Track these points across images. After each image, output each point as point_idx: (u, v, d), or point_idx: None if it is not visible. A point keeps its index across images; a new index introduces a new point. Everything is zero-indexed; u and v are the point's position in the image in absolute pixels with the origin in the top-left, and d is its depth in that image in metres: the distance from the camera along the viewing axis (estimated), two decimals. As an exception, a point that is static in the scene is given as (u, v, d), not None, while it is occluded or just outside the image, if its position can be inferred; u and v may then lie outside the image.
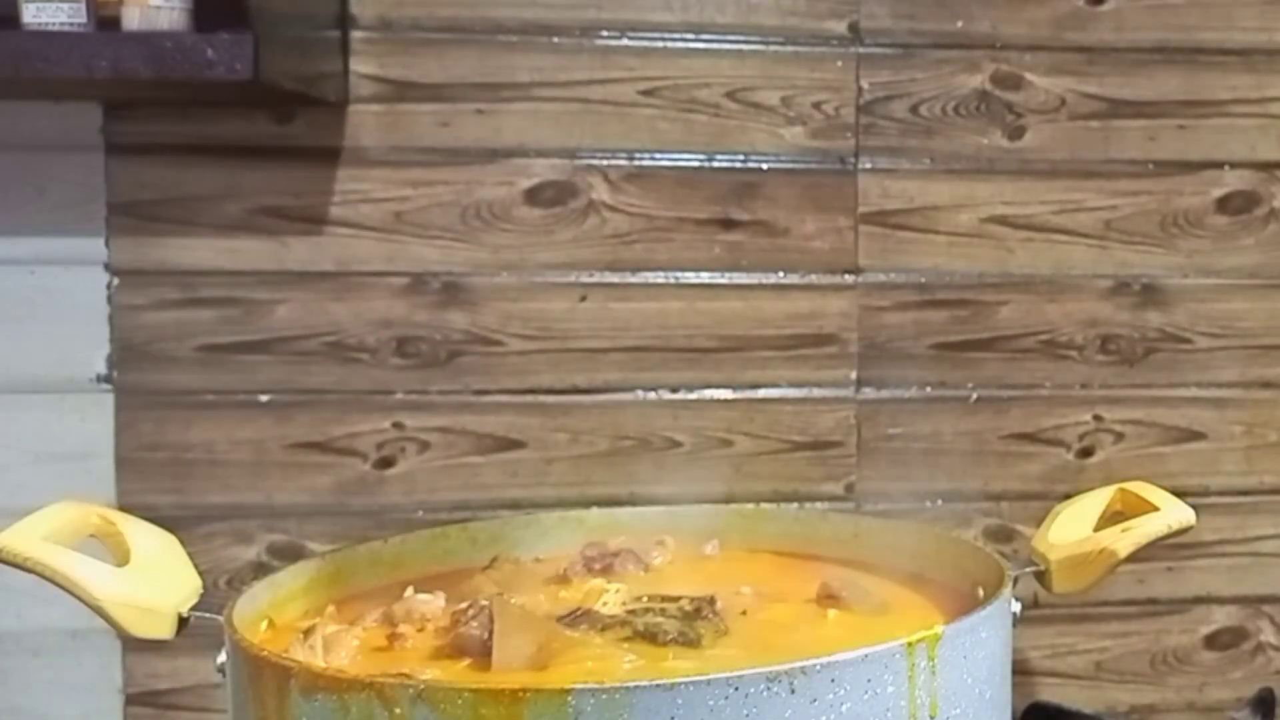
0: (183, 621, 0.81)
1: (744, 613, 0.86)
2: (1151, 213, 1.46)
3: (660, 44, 1.39)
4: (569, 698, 0.65)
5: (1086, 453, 1.46)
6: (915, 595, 0.92)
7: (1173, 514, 0.88)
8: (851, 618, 0.86)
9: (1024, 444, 1.46)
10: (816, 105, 1.41)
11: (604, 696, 0.65)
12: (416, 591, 0.89)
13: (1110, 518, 0.91)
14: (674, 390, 1.41)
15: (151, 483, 1.34)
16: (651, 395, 1.41)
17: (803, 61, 1.41)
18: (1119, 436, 1.47)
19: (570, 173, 1.38)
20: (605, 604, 0.87)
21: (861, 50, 1.41)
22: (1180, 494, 0.90)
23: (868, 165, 1.42)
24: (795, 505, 1.42)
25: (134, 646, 1.33)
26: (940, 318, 1.44)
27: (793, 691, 0.67)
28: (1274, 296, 1.48)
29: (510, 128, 1.37)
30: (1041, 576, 0.89)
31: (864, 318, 1.43)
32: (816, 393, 1.43)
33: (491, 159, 1.38)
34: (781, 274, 1.42)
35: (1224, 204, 1.47)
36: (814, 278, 1.42)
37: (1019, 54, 1.43)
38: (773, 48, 1.41)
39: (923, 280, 1.43)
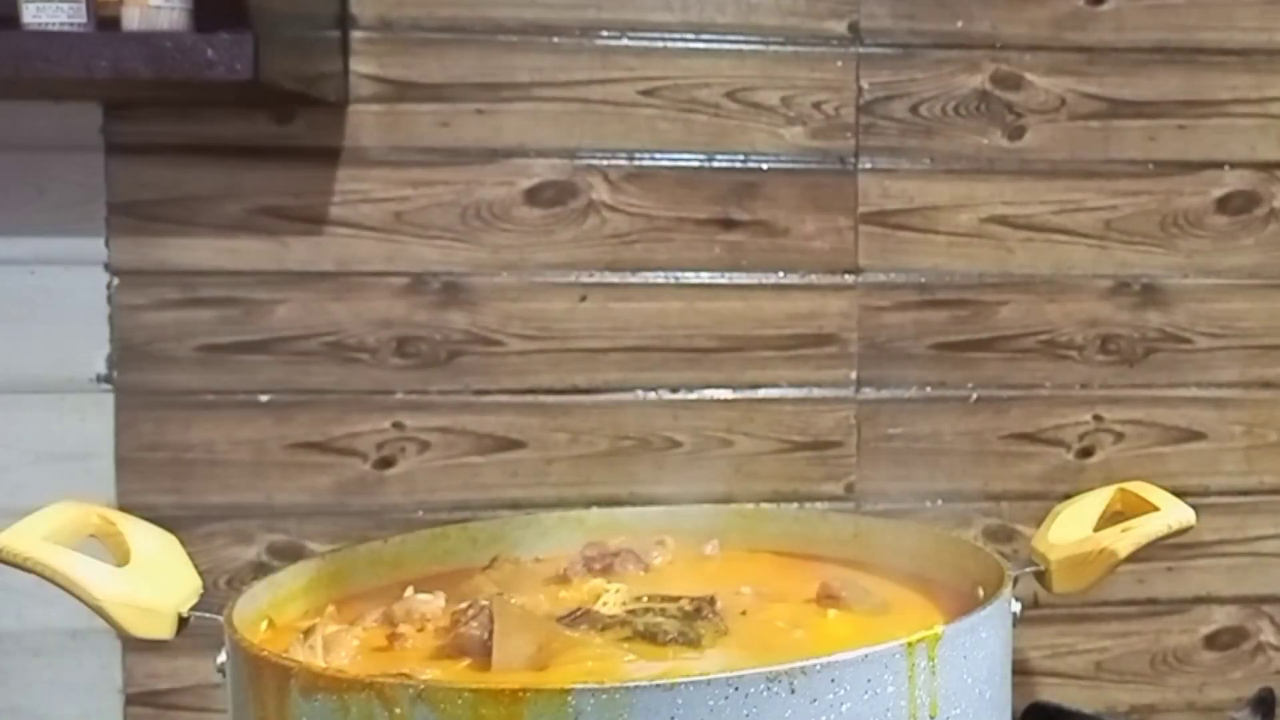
0: (183, 621, 0.81)
1: (744, 613, 0.86)
2: (1151, 213, 1.46)
3: (660, 44, 1.39)
4: (569, 698, 0.65)
5: (1086, 453, 1.46)
6: (915, 595, 0.92)
7: (1173, 514, 0.88)
8: (851, 618, 0.86)
9: (1024, 444, 1.46)
10: (816, 105, 1.41)
11: (604, 696, 0.65)
12: (416, 591, 0.89)
13: (1110, 518, 0.91)
14: (674, 390, 1.41)
15: (151, 483, 1.34)
16: (651, 395, 1.41)
17: (803, 61, 1.41)
18: (1119, 436, 1.47)
19: (570, 173, 1.38)
20: (605, 604, 0.87)
21: (861, 50, 1.41)
22: (1180, 494, 0.90)
23: (868, 165, 1.42)
24: (795, 505, 1.42)
25: (134, 646, 1.33)
26: (940, 318, 1.44)
27: (793, 691, 0.67)
28: (1274, 296, 1.48)
29: (510, 128, 1.37)
30: (1041, 576, 0.89)
31: (864, 318, 1.43)
32: (816, 393, 1.43)
33: (491, 159, 1.38)
34: (781, 274, 1.42)
35: (1224, 204, 1.47)
36: (814, 278, 1.42)
37: (1019, 54, 1.43)
38: (773, 48, 1.41)
39: (923, 280, 1.43)
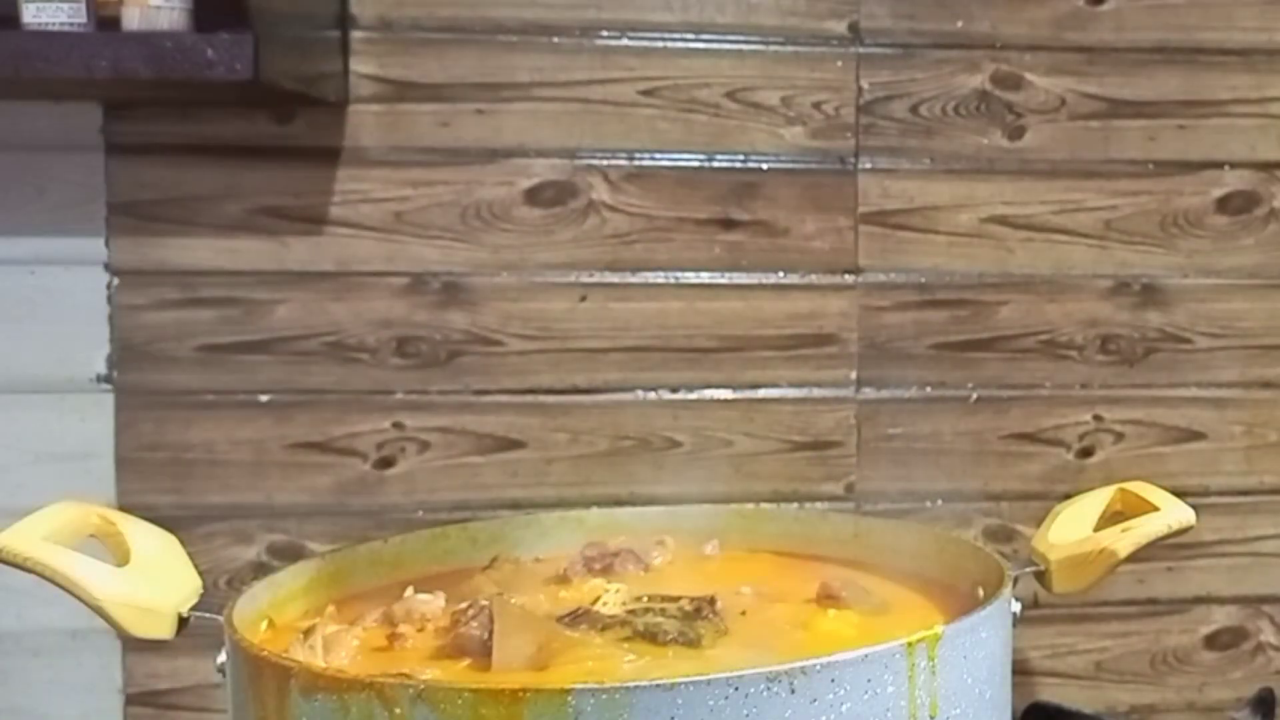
0: (183, 621, 0.81)
1: (744, 613, 0.86)
2: (1151, 213, 1.46)
3: (660, 44, 1.39)
4: (569, 698, 0.65)
5: (1086, 453, 1.46)
6: (915, 595, 0.92)
7: (1173, 514, 0.88)
8: (851, 618, 0.86)
9: (1024, 444, 1.46)
10: (816, 105, 1.41)
11: (604, 696, 0.65)
12: (416, 591, 0.89)
13: (1110, 518, 0.91)
14: (674, 390, 1.41)
15: (151, 483, 1.34)
16: (651, 395, 1.41)
17: (803, 61, 1.41)
18: (1119, 436, 1.47)
19: (570, 173, 1.38)
20: (605, 604, 0.87)
21: (861, 50, 1.41)
22: (1180, 494, 0.90)
23: (868, 165, 1.42)
24: (795, 505, 1.42)
25: (134, 646, 1.33)
26: (940, 318, 1.44)
27: (793, 691, 0.67)
28: (1274, 296, 1.48)
29: (510, 128, 1.37)
30: (1041, 576, 0.89)
31: (864, 318, 1.43)
32: (816, 393, 1.43)
33: (491, 159, 1.38)
34: (781, 274, 1.42)
35: (1224, 204, 1.47)
36: (814, 278, 1.42)
37: (1019, 54, 1.43)
38: (773, 48, 1.41)
39: (923, 280, 1.43)
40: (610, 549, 0.98)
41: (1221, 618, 1.49)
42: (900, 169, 1.42)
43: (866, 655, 0.69)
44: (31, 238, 1.33)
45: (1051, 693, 1.44)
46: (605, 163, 1.39)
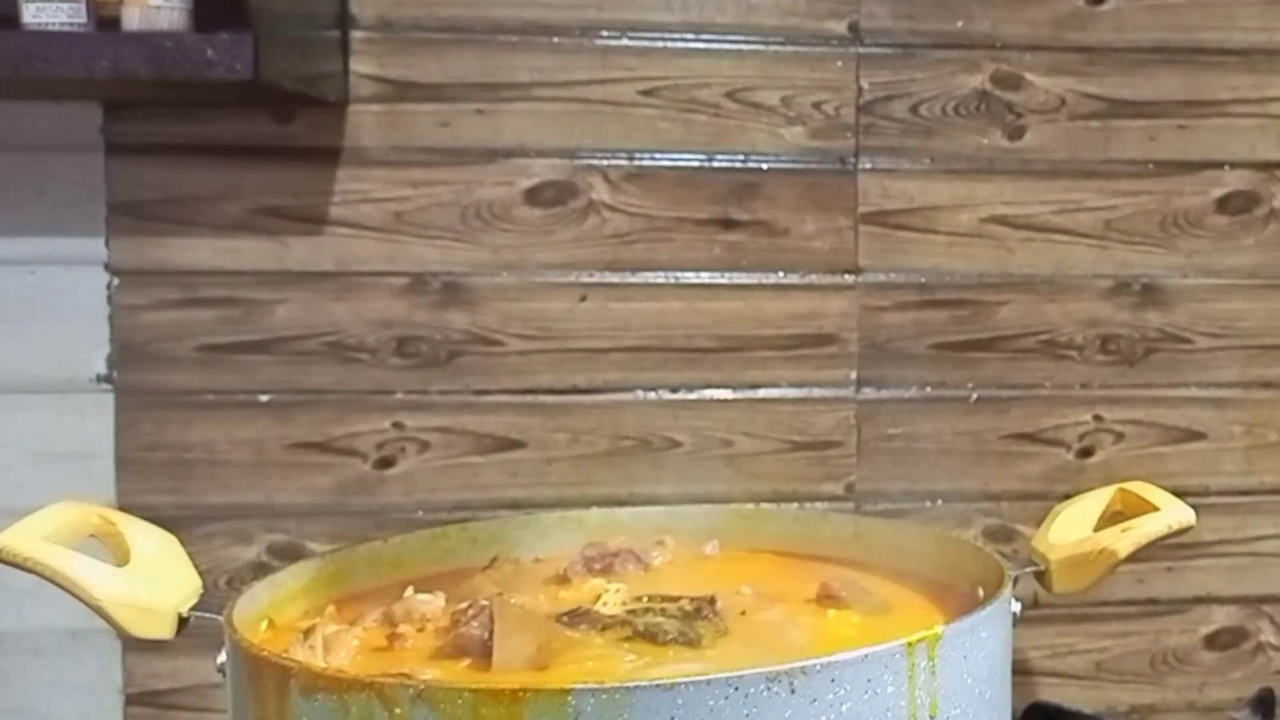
0: (183, 621, 0.81)
1: (744, 613, 0.86)
2: (1151, 213, 1.46)
3: (660, 44, 1.39)
4: (569, 698, 0.65)
5: (1086, 453, 1.46)
6: (915, 595, 0.92)
7: (1173, 514, 0.88)
8: (851, 618, 0.86)
9: (1024, 444, 1.46)
10: (816, 105, 1.41)
11: (604, 696, 0.65)
12: (416, 591, 0.89)
13: (1110, 518, 0.91)
14: (674, 390, 1.41)
15: (151, 483, 1.34)
16: (651, 395, 1.41)
17: (803, 61, 1.41)
18: (1119, 436, 1.47)
19: (570, 173, 1.38)
20: (605, 604, 0.87)
21: (861, 50, 1.41)
22: (1180, 494, 0.90)
23: (868, 165, 1.42)
24: (795, 505, 1.42)
25: (134, 646, 1.33)
26: (940, 318, 1.44)
27: (793, 691, 0.67)
28: (1274, 296, 1.48)
29: (510, 128, 1.37)
30: (1041, 576, 0.89)
31: (864, 318, 1.43)
32: (816, 393, 1.43)
33: (491, 159, 1.38)
34: (781, 274, 1.42)
35: (1224, 204, 1.47)
36: (814, 278, 1.42)
37: (1019, 54, 1.43)
38: (773, 48, 1.41)
39: (923, 280, 1.43)
40: (610, 549, 0.98)
41: (1221, 618, 1.49)
42: (900, 169, 1.42)
43: (866, 655, 0.69)
44: (31, 238, 1.33)
45: (1051, 693, 1.44)
46: (605, 163, 1.39)
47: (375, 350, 1.37)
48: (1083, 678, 1.48)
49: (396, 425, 1.38)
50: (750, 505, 1.16)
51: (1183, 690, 1.49)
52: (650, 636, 0.80)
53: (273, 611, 0.88)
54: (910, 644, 0.71)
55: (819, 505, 1.42)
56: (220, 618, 0.79)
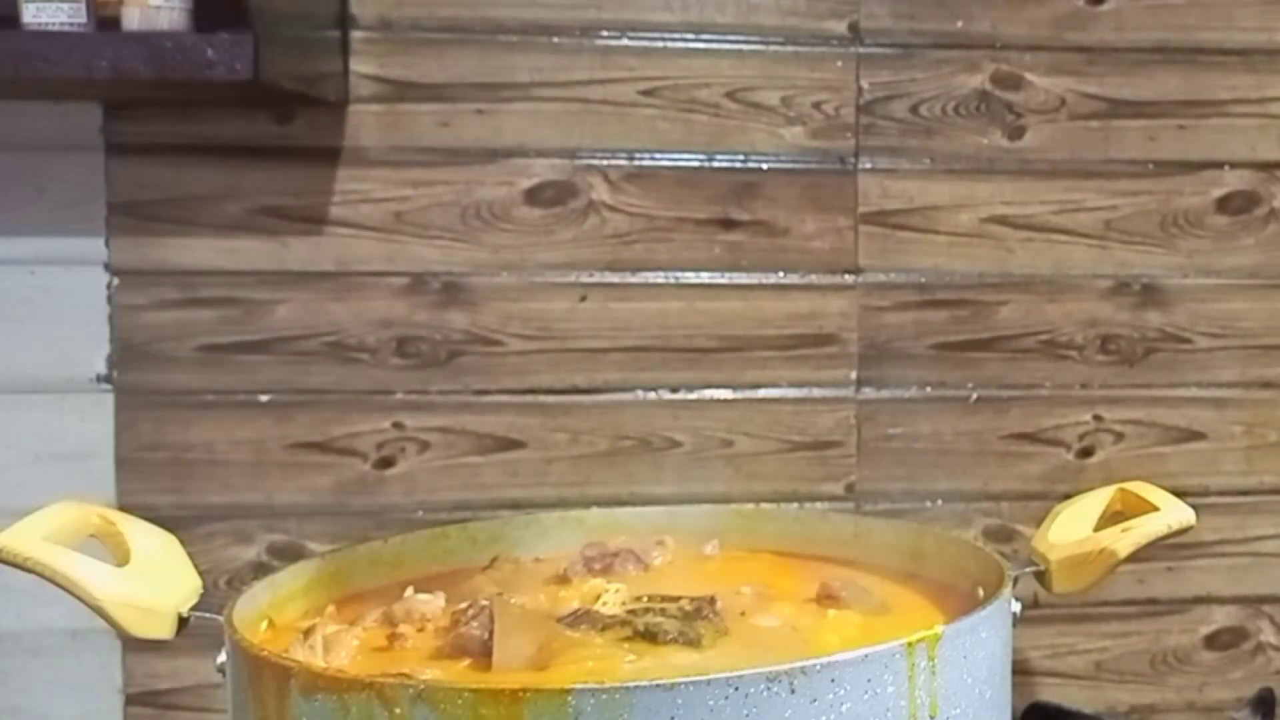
0: (183, 621, 0.81)
1: (744, 613, 0.86)
2: (1151, 213, 1.46)
3: (660, 44, 1.39)
4: (569, 698, 0.65)
5: (1086, 453, 1.46)
6: (915, 595, 0.92)
7: (1173, 514, 0.88)
8: (851, 618, 0.86)
9: (1024, 444, 1.46)
10: (816, 105, 1.41)
11: (604, 696, 0.65)
12: (416, 591, 0.89)
13: (1110, 518, 0.91)
14: (674, 390, 1.41)
15: (151, 483, 1.35)
16: (651, 395, 1.41)
17: (803, 61, 1.41)
18: (1119, 436, 1.47)
19: (570, 173, 1.38)
20: (605, 604, 0.87)
21: (861, 50, 1.41)
22: (1180, 494, 0.90)
23: (868, 165, 1.42)
24: (795, 505, 1.42)
25: (134, 646, 1.33)
26: (940, 318, 1.44)
27: (793, 691, 0.67)
28: (1274, 296, 1.48)
29: (510, 128, 1.37)
30: (1041, 576, 0.88)
31: (864, 318, 1.43)
32: (816, 393, 1.43)
33: (491, 159, 1.38)
34: (781, 274, 1.42)
35: (1224, 204, 1.47)
36: (814, 278, 1.42)
37: (1019, 54, 1.43)
38: (773, 48, 1.41)
39: (923, 280, 1.43)
40: (610, 549, 0.98)
41: (1221, 618, 1.49)
42: (900, 169, 1.42)
43: (866, 655, 0.69)
44: (31, 238, 1.33)
45: (1051, 693, 1.44)
46: (605, 163, 1.39)
47: (375, 350, 1.37)
48: (1083, 678, 1.48)
49: (396, 425, 1.38)
50: (750, 505, 1.16)
51: (1183, 690, 1.49)
52: (650, 636, 0.80)
53: (273, 611, 0.88)
54: (910, 644, 0.71)
55: (819, 505, 1.42)
56: (220, 618, 0.79)
